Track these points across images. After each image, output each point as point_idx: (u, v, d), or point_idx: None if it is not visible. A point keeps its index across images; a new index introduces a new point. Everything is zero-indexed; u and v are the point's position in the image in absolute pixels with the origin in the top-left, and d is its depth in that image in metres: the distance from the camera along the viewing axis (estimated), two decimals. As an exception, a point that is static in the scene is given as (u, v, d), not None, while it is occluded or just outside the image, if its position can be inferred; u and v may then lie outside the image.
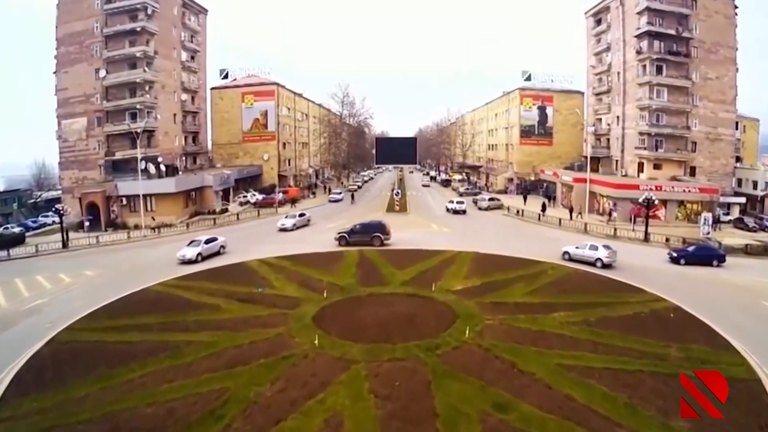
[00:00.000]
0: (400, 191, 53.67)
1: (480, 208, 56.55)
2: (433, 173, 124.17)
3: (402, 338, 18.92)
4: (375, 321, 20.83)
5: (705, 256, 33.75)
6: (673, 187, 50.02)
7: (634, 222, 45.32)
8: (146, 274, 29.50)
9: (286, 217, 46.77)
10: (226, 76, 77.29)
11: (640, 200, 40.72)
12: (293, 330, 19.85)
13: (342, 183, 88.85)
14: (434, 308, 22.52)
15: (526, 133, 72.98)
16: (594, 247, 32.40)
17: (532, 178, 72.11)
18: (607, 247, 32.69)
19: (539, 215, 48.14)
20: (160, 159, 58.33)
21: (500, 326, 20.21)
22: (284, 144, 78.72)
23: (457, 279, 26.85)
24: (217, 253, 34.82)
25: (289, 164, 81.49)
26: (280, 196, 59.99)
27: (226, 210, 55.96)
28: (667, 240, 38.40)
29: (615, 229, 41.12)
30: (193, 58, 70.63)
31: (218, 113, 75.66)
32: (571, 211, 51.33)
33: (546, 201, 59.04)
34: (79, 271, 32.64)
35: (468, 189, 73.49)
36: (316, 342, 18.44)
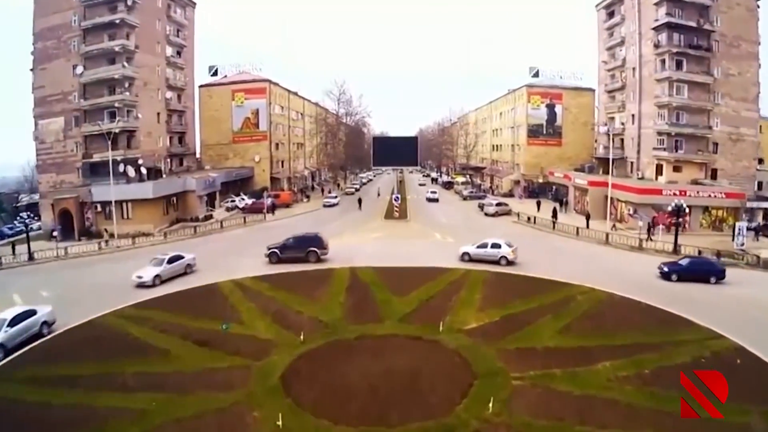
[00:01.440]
0: (399, 196, 49.22)
1: (487, 214, 52.21)
2: (434, 174, 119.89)
3: (401, 414, 14.38)
4: (365, 383, 16.13)
5: (701, 271, 29.52)
6: (698, 192, 45.74)
7: (651, 231, 41.08)
8: (103, 297, 25.25)
9: (151, 261, 30.05)
10: (215, 73, 73.07)
11: (670, 207, 36.46)
12: (254, 395, 15.41)
13: (339, 185, 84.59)
14: (444, 360, 17.92)
15: (534, 132, 68.74)
16: (497, 245, 31.26)
17: (540, 181, 67.87)
18: (509, 244, 31.60)
19: (553, 223, 43.77)
20: (140, 161, 54.13)
21: (533, 389, 15.70)
22: (277, 144, 74.45)
23: (470, 311, 22.30)
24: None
25: (283, 166, 77.21)
26: (269, 201, 55.57)
27: (211, 216, 51.75)
28: (699, 253, 34.09)
29: (640, 241, 36.78)
30: (179, 53, 66.34)
31: (207, 112, 71.42)
32: (587, 218, 47.07)
33: (557, 206, 54.74)
34: (36, 291, 28.41)
35: (472, 192, 69.16)
36: (280, 423, 13.79)
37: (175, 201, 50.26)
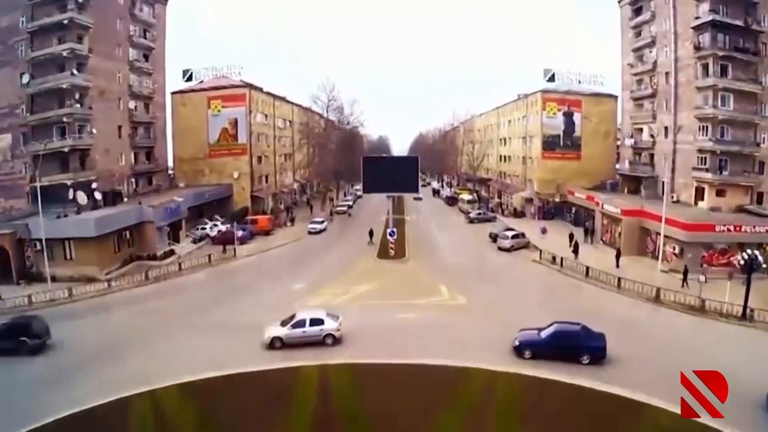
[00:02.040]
0: (395, 231, 40.98)
1: (501, 249, 44.04)
2: (435, 184, 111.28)
3: None
4: None
5: (567, 346, 21.65)
6: (753, 227, 37.79)
7: (686, 275, 33.35)
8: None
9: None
10: (190, 78, 65.09)
11: (742, 259, 28.54)
12: None
13: (331, 200, 76.55)
14: None
15: (550, 144, 60.62)
16: (318, 321, 23.81)
17: (557, 200, 59.87)
18: (334, 314, 24.54)
19: (586, 270, 35.41)
20: (94, 185, 46.46)
21: None
22: (260, 158, 66.54)
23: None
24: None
25: (267, 181, 69.31)
26: (240, 233, 47.65)
27: (172, 252, 43.89)
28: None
29: (703, 301, 28.76)
30: (146, 56, 58.41)
31: (180, 122, 63.54)
32: (618, 255, 39.19)
33: (581, 233, 46.91)
34: None
35: (480, 214, 60.80)
36: None
37: (128, 235, 42.34)
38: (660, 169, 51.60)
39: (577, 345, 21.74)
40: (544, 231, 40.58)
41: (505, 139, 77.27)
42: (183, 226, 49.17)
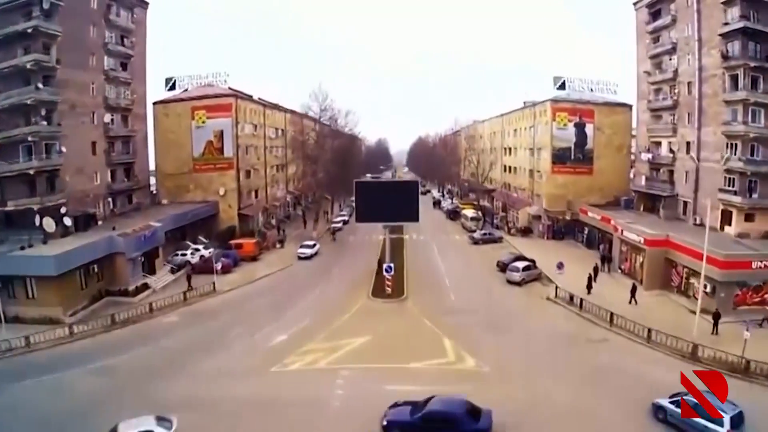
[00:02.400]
0: (392, 266, 36.35)
1: (510, 282, 39.76)
2: (436, 194, 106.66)
3: None
4: None
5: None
6: (794, 261, 33.57)
7: (717, 321, 29.26)
8: None
9: None
10: (173, 87, 60.84)
11: None
12: None
13: (326, 214, 72.31)
14: None
15: (560, 158, 56.31)
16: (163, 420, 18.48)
17: (568, 218, 55.65)
18: (166, 422, 18.53)
19: (611, 317, 31.02)
20: (63, 210, 42.47)
21: None
22: (248, 171, 62.38)
23: None
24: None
25: (257, 196, 65.17)
26: (219, 265, 43.41)
27: (146, 287, 39.73)
28: None
29: (747, 363, 24.56)
30: (124, 65, 54.16)
31: (163, 135, 59.38)
32: (633, 291, 35.03)
33: (598, 263, 42.74)
34: None
35: (486, 235, 56.38)
36: None
37: (96, 269, 38.22)
38: (681, 187, 47.49)
39: (455, 428, 18.13)
40: (560, 266, 36.27)
41: (510, 149, 72.98)
42: (160, 254, 45.01)
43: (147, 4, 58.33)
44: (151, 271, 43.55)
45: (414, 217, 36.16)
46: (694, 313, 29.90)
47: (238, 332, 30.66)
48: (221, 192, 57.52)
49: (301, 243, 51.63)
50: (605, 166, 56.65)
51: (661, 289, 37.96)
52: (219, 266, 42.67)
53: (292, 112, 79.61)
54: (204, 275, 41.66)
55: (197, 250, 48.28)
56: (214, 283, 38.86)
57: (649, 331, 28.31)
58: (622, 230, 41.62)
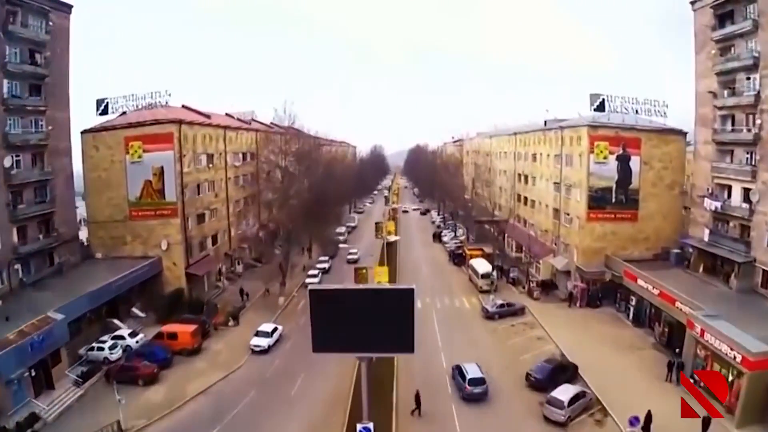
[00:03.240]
0: (371, 429, 22.95)
1: (549, 419, 26.54)
2: (436, 217, 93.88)
3: None
4: None
5: None
6: None
7: None
8: None
9: None
10: (105, 111, 48.50)
11: None
12: None
13: (307, 253, 60.15)
14: None
15: (599, 201, 43.90)
16: None
17: (607, 279, 43.56)
18: None
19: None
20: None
21: None
22: (201, 215, 50.31)
23: None
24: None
25: (216, 242, 53.18)
26: (145, 367, 31.65)
27: (34, 419, 27.61)
28: None
29: None
30: (35, 88, 41.91)
31: (94, 172, 47.20)
32: (706, 423, 23.03)
33: (667, 367, 30.79)
34: None
35: (503, 307, 43.21)
36: None
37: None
38: (759, 249, 35.33)
39: None
40: (634, 423, 24.10)
41: (525, 176, 60.61)
42: (63, 357, 32.94)
43: (69, 7, 45.78)
44: (49, 384, 31.56)
45: (407, 346, 21.25)
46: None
47: None
48: (164, 246, 45.52)
49: (256, 331, 38.24)
50: (653, 210, 44.43)
51: (759, 423, 26.05)
52: (146, 366, 31.16)
53: (270, 127, 67.69)
54: (126, 384, 30.31)
55: (120, 339, 36.38)
56: (119, 423, 26.76)
57: None
58: (703, 331, 29.38)
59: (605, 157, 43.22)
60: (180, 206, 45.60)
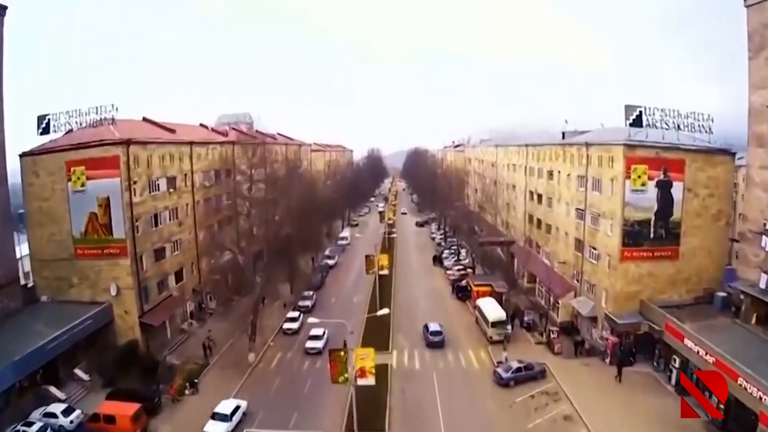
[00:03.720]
0: None
1: None
2: (436, 234, 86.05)
3: None
4: None
5: None
6: None
7: None
8: None
9: None
10: (46, 130, 41.14)
11: None
12: None
13: (289, 283, 52.57)
14: None
15: (635, 237, 36.30)
16: None
17: (641, 331, 36.18)
18: None
19: None
20: None
21: None
22: (160, 250, 43.00)
23: None
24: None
25: (180, 279, 46.04)
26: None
27: None
28: None
29: None
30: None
31: (34, 201, 39.94)
32: None
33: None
34: None
35: (520, 371, 34.81)
36: None
37: None
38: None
39: None
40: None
41: (539, 195, 53.09)
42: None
43: (4, 8, 38.38)
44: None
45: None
46: None
47: None
48: (112, 292, 38.32)
49: (212, 411, 30.04)
50: (696, 246, 37.02)
51: None
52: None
53: (253, 137, 60.22)
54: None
55: (53, 417, 29.41)
56: None
57: None
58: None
59: (643, 184, 35.60)
60: (130, 244, 38.27)
